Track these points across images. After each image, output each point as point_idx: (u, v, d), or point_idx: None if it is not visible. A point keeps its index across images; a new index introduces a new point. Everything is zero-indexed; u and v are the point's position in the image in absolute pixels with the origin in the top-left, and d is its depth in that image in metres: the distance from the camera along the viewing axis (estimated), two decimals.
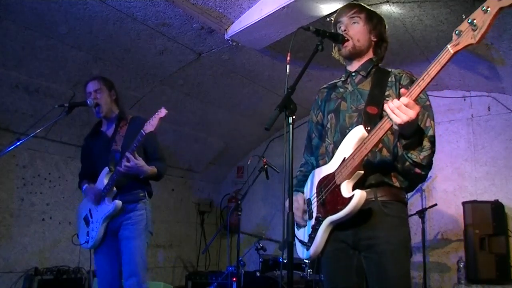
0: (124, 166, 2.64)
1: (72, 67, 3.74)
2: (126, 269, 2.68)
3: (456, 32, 1.41)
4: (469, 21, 1.36)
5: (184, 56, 3.89)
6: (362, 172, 1.68)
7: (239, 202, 3.83)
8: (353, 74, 1.93)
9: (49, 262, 4.11)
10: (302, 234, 1.88)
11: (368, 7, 1.95)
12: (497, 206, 3.87)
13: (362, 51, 1.89)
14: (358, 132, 1.70)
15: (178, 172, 5.66)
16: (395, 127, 1.51)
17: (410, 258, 1.76)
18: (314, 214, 1.82)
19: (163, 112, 2.61)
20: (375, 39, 1.91)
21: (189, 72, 4.16)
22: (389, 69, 1.89)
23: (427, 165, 1.63)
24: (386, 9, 3.13)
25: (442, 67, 1.47)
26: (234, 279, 3.87)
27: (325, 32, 1.96)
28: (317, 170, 1.90)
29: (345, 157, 1.70)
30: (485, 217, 3.80)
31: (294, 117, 1.79)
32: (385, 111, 1.52)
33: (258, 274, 3.92)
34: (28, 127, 3.85)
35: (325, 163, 1.86)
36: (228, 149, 5.85)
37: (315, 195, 1.84)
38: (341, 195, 1.66)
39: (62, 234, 4.29)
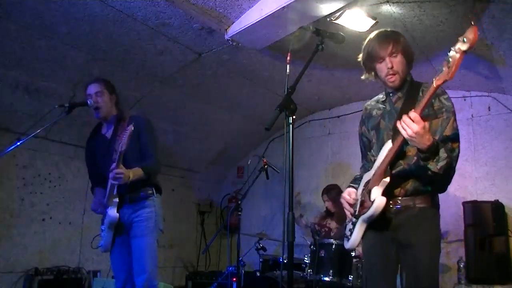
0: (114, 177, 2.59)
1: (72, 67, 3.73)
2: (136, 267, 2.71)
3: (442, 67, 1.65)
4: (446, 60, 1.63)
5: (184, 56, 3.88)
6: (388, 180, 1.89)
7: (239, 202, 3.84)
8: (390, 94, 2.11)
9: (49, 262, 4.10)
10: (347, 228, 2.15)
11: (401, 37, 2.06)
12: (497, 206, 3.86)
13: (406, 78, 2.05)
14: (387, 146, 1.94)
15: (178, 172, 5.66)
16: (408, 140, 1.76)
17: (439, 254, 1.99)
18: (356, 212, 2.07)
19: (129, 129, 2.59)
20: (410, 64, 2.06)
21: (189, 72, 4.16)
22: (421, 82, 2.08)
23: (446, 173, 1.83)
24: (386, 9, 3.13)
25: (431, 95, 1.74)
26: (234, 279, 3.87)
27: (325, 32, 1.97)
28: (365, 174, 2.12)
29: (378, 165, 1.96)
30: (485, 217, 3.79)
31: (294, 117, 1.80)
32: (397, 126, 1.77)
33: (258, 274, 3.92)
34: (28, 127, 3.85)
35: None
36: (228, 149, 5.85)
37: (360, 196, 2.08)
38: (369, 198, 1.93)
39: (62, 234, 4.29)
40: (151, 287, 2.68)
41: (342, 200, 2.14)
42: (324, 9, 3.01)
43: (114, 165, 2.61)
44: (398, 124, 1.76)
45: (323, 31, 2.00)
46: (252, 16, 3.25)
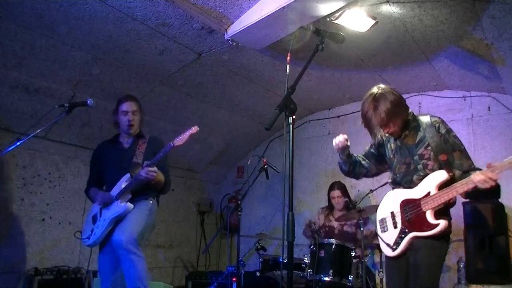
0: (148, 172, 2.86)
1: (72, 67, 3.73)
2: None
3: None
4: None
5: (184, 56, 3.89)
6: (443, 206, 2.25)
7: (239, 202, 3.83)
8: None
9: (49, 262, 4.10)
10: (387, 238, 2.47)
11: (384, 106, 2.33)
12: (497, 206, 3.86)
13: (407, 119, 2.43)
14: (441, 175, 2.27)
15: (178, 172, 5.66)
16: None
17: (440, 257, 2.34)
18: (399, 226, 2.40)
19: (194, 129, 2.86)
20: (403, 114, 2.38)
21: (189, 72, 4.16)
22: (426, 118, 2.43)
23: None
24: (386, 9, 3.13)
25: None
26: (234, 279, 3.87)
27: (325, 32, 1.98)
28: (396, 191, 2.49)
29: (429, 192, 2.28)
30: (485, 217, 3.79)
31: (294, 117, 1.80)
32: (476, 179, 2.13)
33: (258, 274, 3.92)
34: (28, 127, 3.83)
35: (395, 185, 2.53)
36: (228, 149, 5.85)
37: (399, 211, 2.41)
38: (427, 220, 2.26)
39: (62, 234, 4.29)
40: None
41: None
42: (324, 9, 3.01)
43: (147, 163, 2.90)
44: (480, 176, 2.11)
45: (323, 31, 2.01)
46: (252, 16, 3.25)
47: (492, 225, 3.76)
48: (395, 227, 2.42)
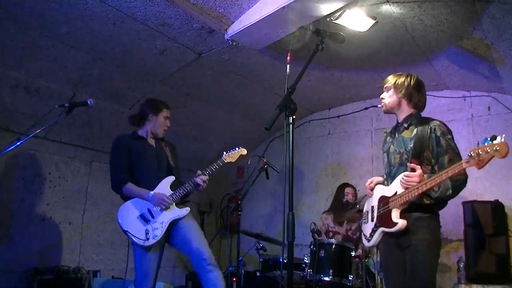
0: (204, 182, 3.31)
1: (72, 67, 3.73)
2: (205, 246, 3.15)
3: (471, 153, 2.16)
4: (476, 152, 2.21)
5: (184, 56, 3.89)
6: (407, 205, 2.38)
7: (239, 202, 3.84)
8: (399, 124, 2.61)
9: (49, 262, 4.10)
10: (365, 229, 2.66)
11: (397, 75, 2.60)
12: (497, 206, 3.86)
13: (394, 108, 2.59)
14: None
15: None
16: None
17: (436, 253, 2.42)
18: (374, 220, 2.56)
19: (244, 151, 3.50)
20: (404, 97, 2.54)
21: (189, 72, 4.16)
22: (429, 119, 2.51)
23: (441, 200, 2.40)
24: (386, 9, 3.13)
25: (454, 174, 2.29)
26: (234, 279, 3.87)
27: (325, 32, 1.99)
28: (378, 187, 2.65)
29: (396, 192, 2.42)
30: (485, 217, 3.79)
31: (294, 117, 1.80)
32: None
33: (258, 274, 3.92)
34: (28, 127, 3.84)
35: (385, 185, 2.63)
36: (228, 149, 5.84)
37: (377, 206, 2.56)
38: (391, 218, 2.41)
39: (62, 234, 4.29)
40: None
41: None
42: (324, 9, 3.01)
43: (201, 171, 3.26)
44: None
45: (323, 31, 2.02)
46: (252, 16, 3.25)
47: (492, 225, 3.76)
48: (372, 220, 2.60)
